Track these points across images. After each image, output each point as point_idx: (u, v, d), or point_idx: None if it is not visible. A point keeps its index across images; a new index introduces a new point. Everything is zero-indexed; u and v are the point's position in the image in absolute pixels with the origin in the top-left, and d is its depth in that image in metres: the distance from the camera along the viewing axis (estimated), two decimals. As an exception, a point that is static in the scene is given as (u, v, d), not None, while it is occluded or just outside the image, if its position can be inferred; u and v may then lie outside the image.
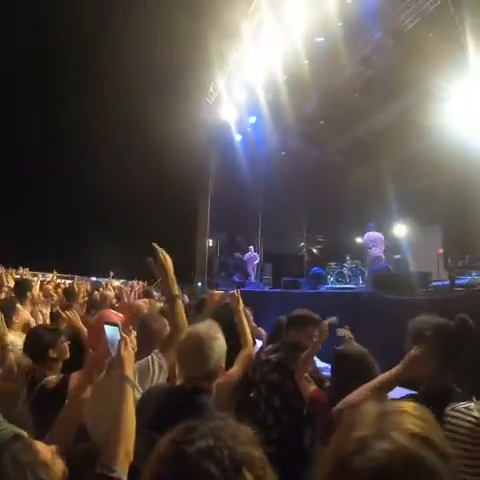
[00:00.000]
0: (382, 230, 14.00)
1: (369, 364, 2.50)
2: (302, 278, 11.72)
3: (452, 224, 6.61)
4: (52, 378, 2.63)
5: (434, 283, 7.18)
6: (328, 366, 2.85)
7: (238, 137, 15.99)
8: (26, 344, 2.85)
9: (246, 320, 3.35)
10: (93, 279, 12.93)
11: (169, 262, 2.55)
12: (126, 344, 1.85)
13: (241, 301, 3.38)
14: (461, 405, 1.77)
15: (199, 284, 15.51)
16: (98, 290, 6.38)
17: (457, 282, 6.02)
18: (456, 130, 7.40)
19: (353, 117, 12.08)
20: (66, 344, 2.85)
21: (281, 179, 15.36)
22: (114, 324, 1.96)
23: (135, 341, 1.99)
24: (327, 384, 2.88)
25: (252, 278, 14.89)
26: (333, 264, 13.61)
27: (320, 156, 15.06)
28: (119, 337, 1.87)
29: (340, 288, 10.93)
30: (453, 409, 1.75)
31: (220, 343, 2.10)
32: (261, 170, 15.67)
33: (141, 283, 12.96)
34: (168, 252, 2.56)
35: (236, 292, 3.45)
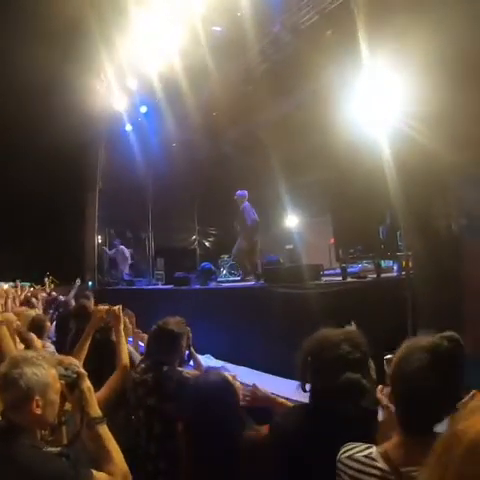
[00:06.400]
0: (274, 221, 14.36)
1: None
2: (193, 273, 11.56)
3: (341, 216, 6.88)
4: None
5: (326, 272, 7.46)
6: (226, 365, 2.65)
7: (129, 127, 15.25)
8: None
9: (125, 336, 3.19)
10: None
11: None
12: None
13: (122, 319, 3.18)
14: (358, 451, 1.40)
15: (90, 283, 14.59)
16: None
17: (348, 270, 6.29)
18: (346, 127, 7.73)
19: (246, 110, 12.10)
20: None
21: (172, 171, 14.96)
22: None
23: None
24: None
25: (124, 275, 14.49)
26: (225, 256, 13.65)
27: (212, 149, 14.94)
28: None
29: (231, 282, 10.84)
30: (350, 457, 1.39)
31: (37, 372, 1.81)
32: (152, 162, 15.12)
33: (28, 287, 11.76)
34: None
35: (117, 309, 3.17)
